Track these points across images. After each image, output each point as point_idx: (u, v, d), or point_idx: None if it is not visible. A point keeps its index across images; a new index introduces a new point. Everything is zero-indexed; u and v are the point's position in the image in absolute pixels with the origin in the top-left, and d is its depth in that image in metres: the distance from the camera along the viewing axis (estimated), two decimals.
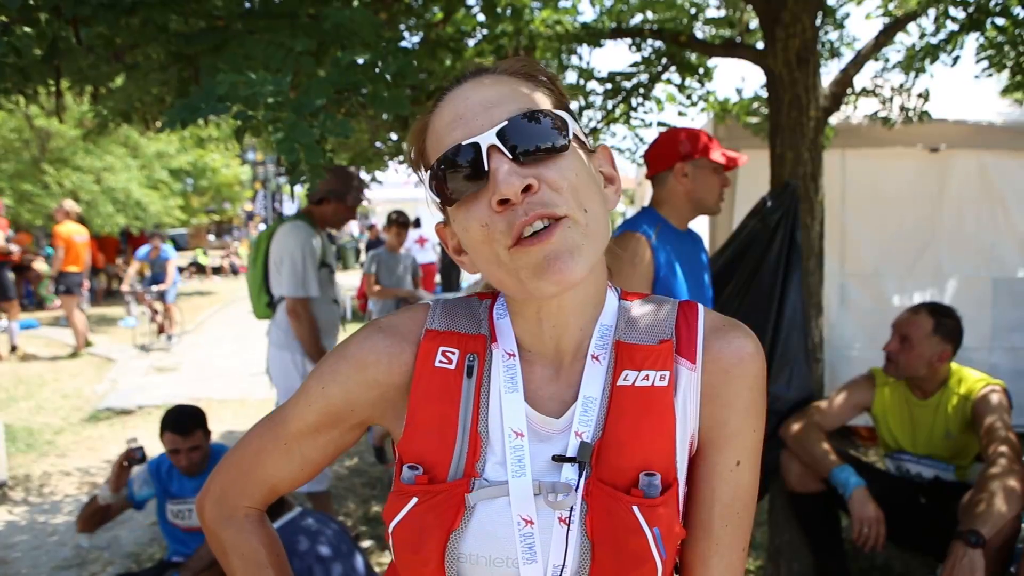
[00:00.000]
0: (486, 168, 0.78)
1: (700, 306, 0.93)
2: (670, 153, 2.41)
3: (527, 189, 0.77)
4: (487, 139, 0.78)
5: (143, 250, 10.25)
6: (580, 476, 0.82)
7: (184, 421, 3.06)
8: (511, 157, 0.77)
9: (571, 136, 0.82)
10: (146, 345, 9.62)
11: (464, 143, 0.79)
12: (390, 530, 0.86)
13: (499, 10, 3.13)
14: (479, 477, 0.85)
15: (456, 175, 0.80)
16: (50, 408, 6.73)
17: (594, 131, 4.04)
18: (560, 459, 0.83)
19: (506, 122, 0.78)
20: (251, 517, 1.02)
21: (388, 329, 0.94)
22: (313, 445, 0.96)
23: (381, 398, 0.92)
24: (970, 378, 2.84)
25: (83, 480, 4.95)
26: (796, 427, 2.88)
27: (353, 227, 26.89)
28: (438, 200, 0.85)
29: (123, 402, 6.73)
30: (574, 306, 0.87)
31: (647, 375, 0.86)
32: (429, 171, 0.84)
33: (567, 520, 0.81)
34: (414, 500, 0.84)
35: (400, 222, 6.10)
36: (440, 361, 0.89)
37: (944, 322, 2.79)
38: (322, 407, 0.94)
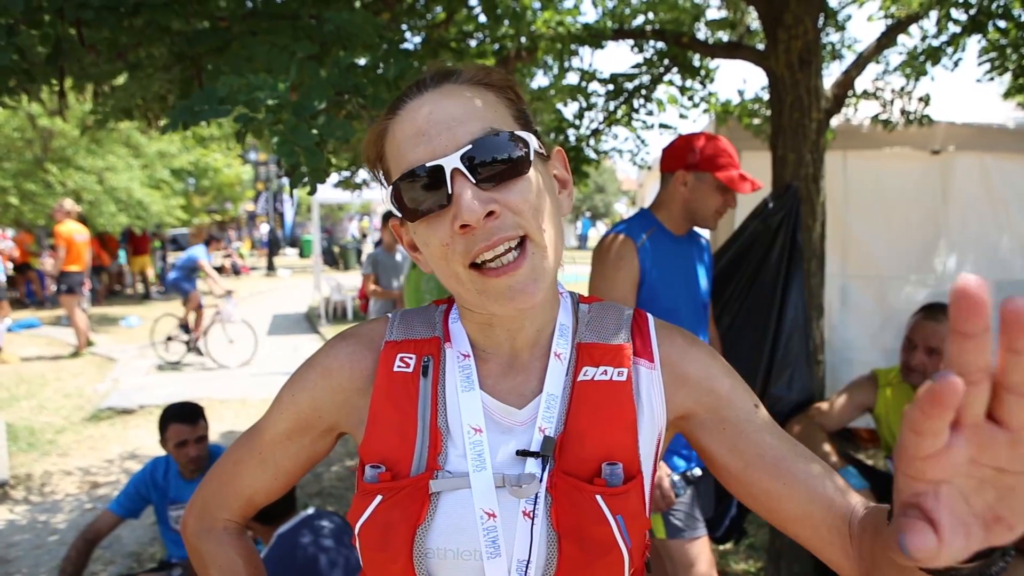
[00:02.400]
0: (450, 192, 0.79)
1: (648, 314, 0.99)
2: (679, 157, 2.38)
3: (489, 214, 0.79)
4: (451, 162, 0.79)
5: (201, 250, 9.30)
6: (543, 469, 0.84)
7: (188, 411, 3.07)
8: (474, 181, 0.79)
9: (532, 154, 0.83)
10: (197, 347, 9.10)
11: (428, 164, 0.80)
12: (356, 531, 0.87)
13: (500, 11, 3.13)
14: (442, 470, 0.86)
15: (419, 193, 0.81)
16: (51, 407, 6.74)
17: (596, 132, 4.04)
18: (524, 454, 0.86)
19: (470, 146, 0.80)
20: (229, 530, 1.05)
21: (351, 338, 0.98)
22: (285, 453, 0.99)
23: (345, 403, 0.96)
24: None
25: (84, 479, 4.95)
26: (798, 428, 2.88)
27: (353, 228, 26.83)
28: (399, 214, 0.87)
29: (125, 401, 6.74)
30: (530, 305, 0.88)
31: (605, 370, 0.90)
32: (391, 185, 0.85)
33: (531, 514, 0.83)
34: (378, 498, 0.86)
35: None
36: (398, 366, 0.93)
37: None
38: (292, 414, 0.98)
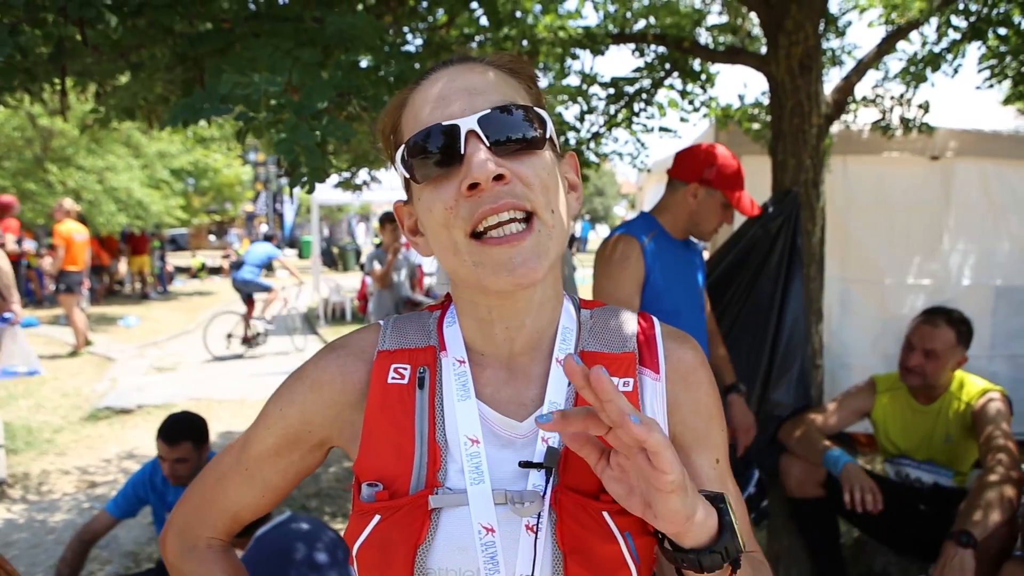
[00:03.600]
0: (462, 152, 0.77)
1: (655, 319, 0.95)
2: (695, 169, 2.40)
3: (500, 178, 0.77)
4: (467, 123, 0.77)
5: (274, 248, 10.16)
6: (547, 483, 0.81)
7: (174, 430, 2.95)
8: (488, 145, 0.77)
9: (548, 137, 0.82)
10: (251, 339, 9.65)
11: (444, 123, 0.78)
12: (354, 553, 0.83)
13: (501, 14, 3.13)
14: (442, 487, 0.83)
15: (430, 154, 0.79)
16: (49, 407, 6.72)
17: (596, 135, 4.04)
18: (527, 465, 0.82)
19: (488, 110, 0.78)
20: (214, 547, 1.00)
21: (341, 349, 0.94)
22: (274, 469, 0.95)
23: (337, 417, 0.91)
24: (971, 384, 2.85)
25: (82, 479, 4.94)
26: (798, 432, 2.89)
27: (361, 233, 26.77)
28: (406, 176, 0.84)
29: (122, 401, 6.72)
30: (528, 307, 0.86)
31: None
32: (402, 147, 0.83)
33: (534, 528, 0.80)
34: (376, 518, 0.82)
35: (392, 219, 6.16)
36: (392, 378, 0.88)
37: (962, 329, 2.83)
38: (280, 429, 0.93)
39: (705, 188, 2.38)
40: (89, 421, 6.28)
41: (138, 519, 4.08)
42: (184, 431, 2.96)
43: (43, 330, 10.74)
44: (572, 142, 4.00)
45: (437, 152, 0.78)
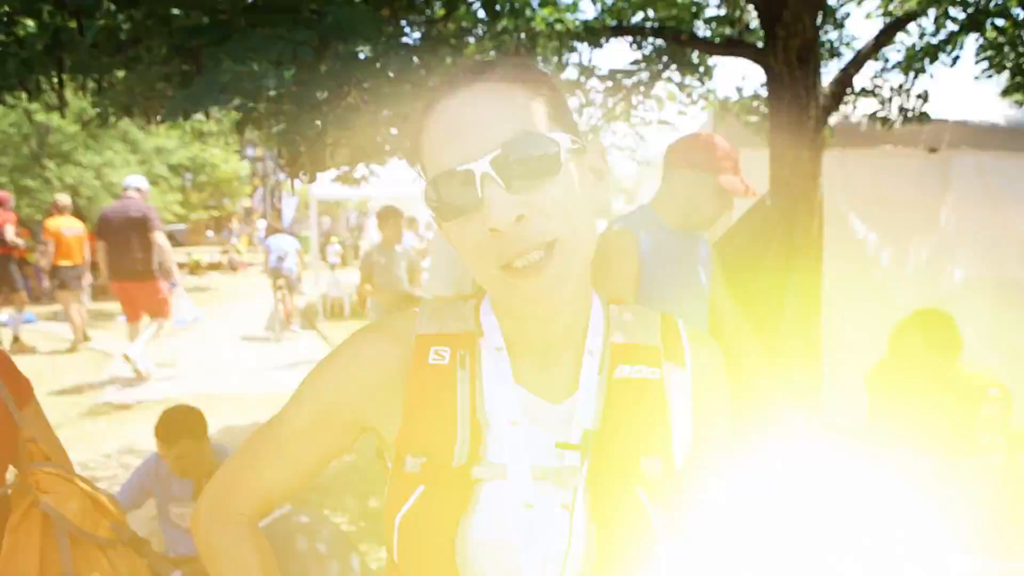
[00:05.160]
0: (479, 195, 0.80)
1: (679, 319, 1.00)
2: (684, 155, 2.39)
3: (519, 217, 0.79)
4: (481, 167, 0.79)
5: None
6: (582, 463, 0.85)
7: (171, 429, 2.96)
8: (503, 185, 0.79)
9: (564, 155, 0.83)
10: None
11: (459, 168, 0.80)
12: (396, 522, 0.85)
13: (499, 7, 3.13)
14: (483, 460, 0.87)
15: (450, 195, 0.82)
16: (48, 403, 6.68)
17: (594, 129, 4.04)
18: (563, 446, 0.86)
19: (499, 150, 0.79)
20: (242, 524, 1.02)
21: (377, 331, 0.97)
22: (306, 449, 0.97)
23: (371, 398, 0.94)
24: (971, 376, 2.87)
25: (83, 474, 4.94)
26: None
27: (372, 227, 26.68)
28: (434, 213, 0.88)
29: (121, 397, 6.72)
30: (558, 305, 0.89)
31: (640, 369, 0.91)
32: (426, 183, 0.86)
33: (569, 506, 0.84)
34: (421, 488, 0.85)
35: (390, 215, 6.11)
36: (433, 359, 0.92)
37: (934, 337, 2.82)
38: (314, 408, 0.96)
39: (694, 172, 2.36)
40: (88, 417, 6.28)
41: (139, 513, 4.08)
42: (180, 428, 2.97)
43: (41, 326, 10.73)
44: None
45: (456, 194, 0.81)
